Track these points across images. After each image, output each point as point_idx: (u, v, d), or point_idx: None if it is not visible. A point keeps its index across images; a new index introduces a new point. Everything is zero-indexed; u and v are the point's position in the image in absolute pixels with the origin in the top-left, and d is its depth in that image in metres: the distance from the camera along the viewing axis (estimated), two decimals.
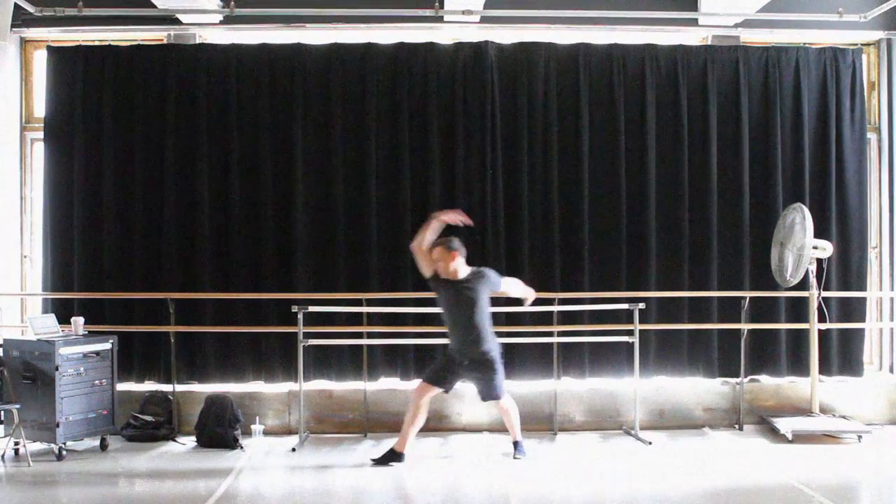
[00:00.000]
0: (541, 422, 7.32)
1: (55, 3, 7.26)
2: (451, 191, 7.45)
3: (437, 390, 6.18)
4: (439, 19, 7.43)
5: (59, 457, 6.28)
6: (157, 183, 7.42)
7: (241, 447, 6.66)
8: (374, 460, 6.15)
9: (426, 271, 6.13)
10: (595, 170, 7.54)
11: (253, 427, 7.09)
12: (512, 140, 7.50)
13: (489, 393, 6.20)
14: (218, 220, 7.42)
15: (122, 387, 7.07)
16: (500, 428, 7.27)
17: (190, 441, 6.92)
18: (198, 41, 7.68)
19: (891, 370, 7.91)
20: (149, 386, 7.43)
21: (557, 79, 7.55)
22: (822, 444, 6.74)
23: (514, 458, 6.24)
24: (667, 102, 7.59)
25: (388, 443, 6.84)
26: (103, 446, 6.64)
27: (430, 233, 6.05)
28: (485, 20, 7.49)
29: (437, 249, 6.06)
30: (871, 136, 7.97)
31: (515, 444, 6.34)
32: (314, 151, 7.47)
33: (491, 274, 6.21)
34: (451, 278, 6.07)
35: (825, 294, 7.57)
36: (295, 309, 6.77)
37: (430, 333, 7.22)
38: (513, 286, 6.38)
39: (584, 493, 5.50)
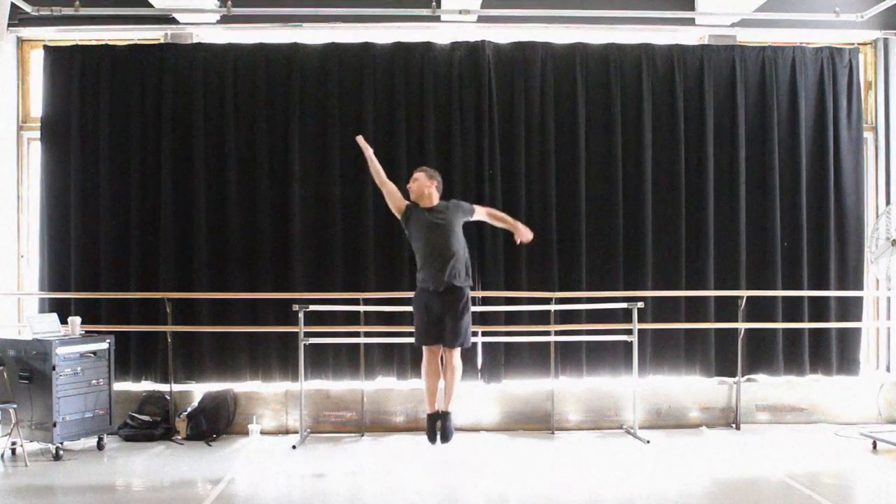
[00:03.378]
0: (539, 421, 7.33)
1: (52, 3, 7.24)
2: (447, 190, 7.42)
3: (438, 347, 5.96)
4: (436, 19, 7.43)
5: (57, 457, 6.27)
6: (154, 182, 7.41)
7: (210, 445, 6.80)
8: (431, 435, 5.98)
9: (397, 205, 6.18)
10: (592, 169, 7.54)
11: (250, 426, 7.10)
12: (509, 139, 7.51)
13: (457, 337, 5.89)
14: (214, 220, 7.42)
15: (119, 386, 7.08)
16: (498, 427, 7.29)
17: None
18: (194, 41, 7.67)
19: (888, 369, 7.93)
20: (146, 386, 7.43)
21: (554, 78, 7.55)
22: (820, 444, 6.78)
23: (444, 429, 5.91)
24: (663, 102, 7.60)
25: (386, 441, 6.89)
26: (100, 446, 6.63)
27: (373, 161, 6.28)
28: (482, 20, 7.50)
29: (420, 172, 6.16)
30: (868, 135, 7.98)
31: (446, 414, 5.96)
32: (311, 151, 7.46)
33: (463, 203, 6.24)
34: (425, 205, 6.07)
35: (822, 293, 7.61)
36: (296, 308, 6.77)
37: None
38: (491, 216, 6.33)
39: (583, 492, 5.50)
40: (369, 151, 6.30)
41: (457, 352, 6.00)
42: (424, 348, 6.03)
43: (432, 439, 5.98)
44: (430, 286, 5.92)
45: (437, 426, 5.96)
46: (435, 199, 6.12)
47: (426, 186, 6.09)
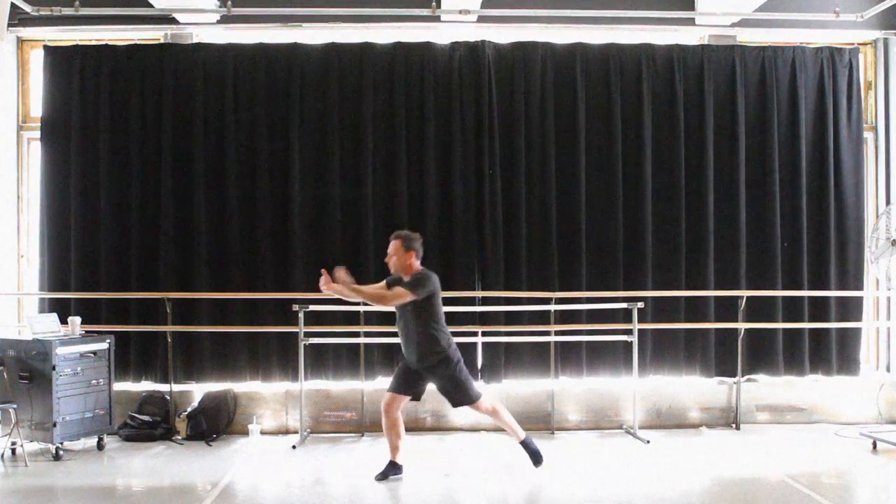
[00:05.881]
0: (539, 421, 7.32)
1: (52, 3, 7.25)
2: (447, 190, 7.45)
3: (404, 398, 5.76)
4: (436, 19, 7.43)
5: (57, 457, 6.27)
6: (154, 182, 7.41)
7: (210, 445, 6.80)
8: (377, 476, 5.75)
9: (398, 292, 5.52)
10: (592, 169, 7.54)
11: (250, 426, 7.10)
12: (509, 139, 7.51)
13: (462, 399, 5.69)
14: (214, 220, 7.42)
15: (118, 386, 7.08)
16: (498, 427, 7.26)
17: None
18: (195, 41, 7.67)
19: (888, 369, 7.92)
20: (146, 386, 7.43)
21: (554, 79, 7.55)
22: (820, 444, 6.78)
23: (536, 466, 5.81)
24: (663, 102, 7.60)
25: (386, 441, 6.87)
26: (100, 446, 6.63)
27: (359, 292, 5.56)
28: (482, 20, 7.49)
29: (395, 243, 5.63)
30: (868, 135, 7.98)
31: (525, 443, 5.84)
32: (311, 151, 7.46)
33: (420, 274, 5.61)
34: (405, 278, 5.61)
35: (822, 293, 7.60)
36: (296, 308, 6.77)
37: None
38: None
39: (583, 492, 5.50)
40: (337, 287, 5.55)
41: (482, 404, 5.73)
42: (389, 393, 5.76)
43: (379, 478, 5.71)
44: (410, 364, 5.69)
45: (391, 471, 5.75)
46: (414, 269, 5.63)
47: (405, 261, 5.61)
